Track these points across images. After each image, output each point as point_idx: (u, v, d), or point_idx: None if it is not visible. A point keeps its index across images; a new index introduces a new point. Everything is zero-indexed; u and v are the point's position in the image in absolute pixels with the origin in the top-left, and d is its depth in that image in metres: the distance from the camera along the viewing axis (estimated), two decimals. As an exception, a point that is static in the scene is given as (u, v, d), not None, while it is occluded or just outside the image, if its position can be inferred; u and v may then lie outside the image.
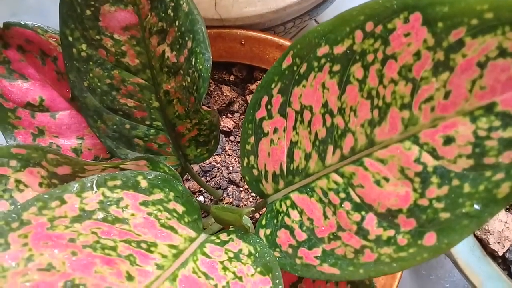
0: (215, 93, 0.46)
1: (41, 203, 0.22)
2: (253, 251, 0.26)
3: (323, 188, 0.24)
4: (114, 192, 0.24)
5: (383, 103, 0.21)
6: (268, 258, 0.24)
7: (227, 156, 0.45)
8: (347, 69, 0.22)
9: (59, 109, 0.33)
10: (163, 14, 0.28)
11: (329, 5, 0.50)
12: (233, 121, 0.46)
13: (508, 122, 0.17)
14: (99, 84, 0.29)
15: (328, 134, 0.24)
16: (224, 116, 0.47)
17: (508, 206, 0.43)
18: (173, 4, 0.28)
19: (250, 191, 0.44)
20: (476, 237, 0.42)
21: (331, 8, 0.53)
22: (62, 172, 0.27)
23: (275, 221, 0.27)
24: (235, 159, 0.45)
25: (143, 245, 0.23)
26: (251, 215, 0.38)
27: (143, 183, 0.26)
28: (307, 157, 0.25)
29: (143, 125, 0.31)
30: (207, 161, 0.45)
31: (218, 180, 0.44)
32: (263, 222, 0.28)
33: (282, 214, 0.27)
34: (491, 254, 0.42)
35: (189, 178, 0.44)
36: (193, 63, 0.28)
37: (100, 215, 0.23)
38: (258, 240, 0.26)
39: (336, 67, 0.22)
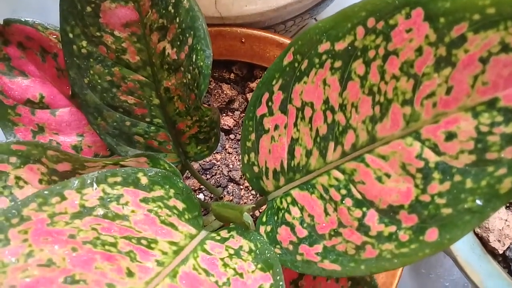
0: (215, 91, 0.46)
1: (41, 199, 0.22)
2: (253, 248, 0.25)
3: (324, 185, 0.24)
4: (115, 188, 0.24)
5: (384, 99, 0.21)
6: (268, 255, 0.24)
7: (227, 154, 0.45)
8: (348, 66, 0.22)
9: (59, 106, 0.33)
10: (164, 11, 0.28)
11: (329, 4, 0.50)
12: (233, 119, 0.46)
13: (511, 118, 0.17)
14: (99, 81, 0.29)
15: (329, 131, 0.24)
16: (224, 114, 0.47)
17: (508, 204, 0.43)
18: (173, 0, 0.28)
19: (250, 189, 0.44)
20: (477, 235, 0.42)
21: (332, 7, 0.52)
22: (62, 168, 0.27)
23: (276, 218, 0.27)
24: (235, 157, 0.45)
25: (144, 242, 0.23)
26: (251, 213, 0.38)
27: (144, 180, 0.26)
28: (308, 153, 0.25)
29: (143, 122, 0.31)
30: (207, 159, 0.45)
31: (218, 178, 0.44)
32: (264, 219, 0.28)
33: (282, 211, 0.27)
34: (492, 252, 0.42)
35: (189, 176, 0.44)
36: (193, 60, 0.28)
37: (100, 211, 0.23)
38: (258, 237, 0.26)
39: (338, 64, 0.22)
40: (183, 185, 0.28)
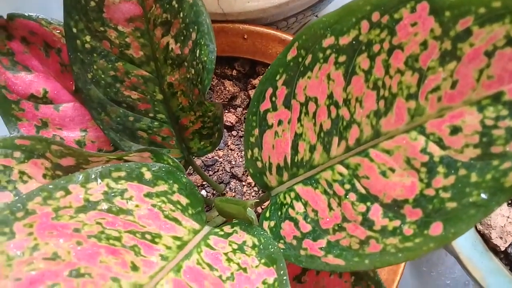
0: (218, 87, 0.46)
1: (46, 193, 0.22)
2: (257, 243, 0.26)
3: (328, 180, 0.24)
4: (119, 183, 0.24)
5: (389, 94, 0.21)
6: (272, 250, 0.24)
7: (229, 151, 0.45)
8: (352, 60, 0.22)
9: (62, 101, 0.33)
10: (168, 6, 0.28)
11: (331, 1, 0.50)
12: (236, 116, 0.46)
13: (516, 111, 0.17)
14: (103, 76, 0.29)
15: (333, 126, 0.24)
16: (226, 111, 0.47)
17: (510, 201, 0.43)
18: (177, -5, 0.28)
19: (252, 185, 0.44)
20: (479, 232, 0.42)
21: (333, 4, 0.53)
22: (66, 163, 0.27)
23: (279, 213, 0.27)
24: (237, 153, 0.45)
25: (148, 236, 0.23)
26: (253, 209, 0.38)
27: (147, 175, 0.26)
28: (312, 149, 0.25)
29: (146, 117, 0.31)
30: (210, 156, 0.45)
31: (220, 174, 0.44)
32: (267, 214, 0.28)
33: (286, 206, 0.27)
34: (493, 249, 0.42)
35: (192, 172, 0.44)
36: (197, 54, 0.28)
37: (104, 206, 0.23)
38: (262, 232, 0.26)
39: (342, 58, 0.22)
40: (186, 180, 0.28)
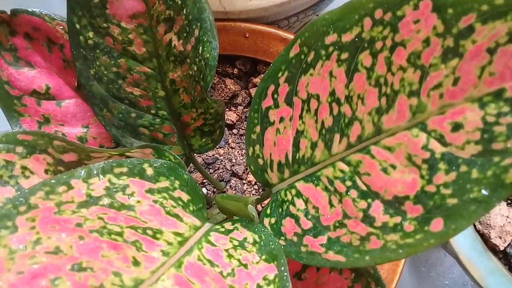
0: (219, 86, 0.46)
1: (48, 188, 0.22)
2: (258, 240, 0.26)
3: (329, 177, 0.24)
4: (120, 179, 0.24)
5: (391, 91, 0.21)
6: (273, 246, 0.25)
7: (230, 149, 0.45)
8: (355, 57, 0.22)
9: (65, 97, 0.33)
10: (171, 2, 0.28)
11: (332, 0, 0.51)
12: (236, 114, 0.46)
13: (517, 108, 0.17)
14: (105, 72, 0.29)
15: (334, 123, 0.24)
16: (227, 109, 0.47)
17: (510, 201, 0.43)
18: (180, -8, 0.28)
19: (253, 183, 0.44)
20: (478, 231, 0.42)
21: (334, 4, 0.53)
22: (68, 159, 0.27)
23: (280, 210, 0.27)
24: (238, 151, 0.45)
25: (149, 232, 0.23)
26: (254, 207, 0.38)
27: (149, 171, 0.26)
28: (313, 146, 0.25)
29: (148, 114, 0.31)
30: (210, 154, 0.45)
31: (221, 172, 0.44)
32: (268, 211, 0.28)
33: (287, 203, 0.27)
34: (493, 248, 0.42)
35: (192, 170, 0.44)
36: (200, 51, 0.28)
37: (106, 201, 0.23)
38: (263, 229, 0.26)
39: (344, 55, 0.23)
40: (188, 176, 0.28)
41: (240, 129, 0.46)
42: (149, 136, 0.32)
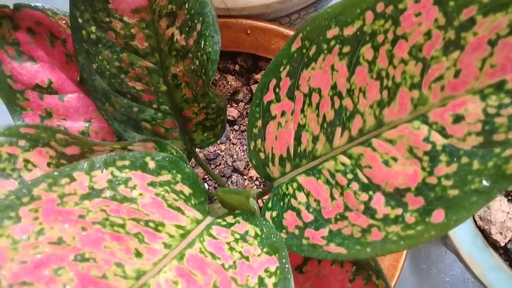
0: (220, 82, 0.47)
1: (51, 180, 0.22)
2: (259, 233, 0.26)
3: (331, 170, 0.24)
4: (123, 172, 0.25)
5: (392, 84, 0.21)
6: (274, 239, 0.25)
7: (231, 145, 0.45)
8: (356, 51, 0.22)
9: (67, 91, 0.33)
10: (173, -3, 0.28)
11: (333, -2, 0.51)
12: (238, 111, 0.47)
13: (518, 99, 0.17)
14: (107, 66, 0.30)
15: (336, 116, 0.24)
16: (228, 106, 0.47)
17: (511, 197, 0.43)
18: (182, -13, 0.28)
19: (254, 179, 0.44)
20: (479, 227, 0.42)
21: (335, 1, 0.53)
22: (71, 152, 0.28)
23: (282, 203, 0.27)
24: (239, 147, 0.45)
25: (151, 224, 0.23)
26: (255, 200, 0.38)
27: (151, 164, 0.26)
28: (315, 139, 0.25)
29: (150, 108, 0.32)
30: (212, 150, 0.45)
31: (222, 168, 0.44)
32: (269, 205, 0.28)
33: (288, 197, 0.27)
34: (493, 244, 0.42)
35: (194, 165, 0.44)
36: (202, 45, 0.28)
37: (109, 193, 0.23)
38: (264, 222, 0.26)
39: (346, 49, 0.23)
40: (189, 170, 0.28)
41: (242, 125, 0.46)
42: (151, 131, 0.32)
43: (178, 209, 0.26)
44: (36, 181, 0.22)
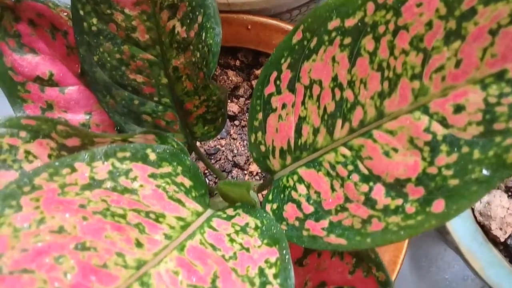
0: (221, 77, 0.47)
1: (52, 170, 0.22)
2: (259, 225, 0.26)
3: (331, 162, 0.24)
4: (124, 163, 0.25)
5: (393, 75, 0.21)
6: (274, 231, 0.25)
7: (232, 140, 0.46)
8: (358, 42, 0.22)
9: (68, 84, 0.33)
10: (174, -11, 0.28)
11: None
12: (238, 106, 0.47)
13: (519, 88, 0.17)
14: (108, 59, 0.30)
15: (337, 108, 0.24)
16: (229, 101, 0.47)
17: (511, 193, 0.43)
18: (184, -21, 0.28)
19: (254, 174, 0.44)
20: (479, 223, 0.42)
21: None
22: (71, 144, 0.28)
23: (282, 196, 0.27)
24: (239, 142, 0.45)
25: (152, 216, 0.24)
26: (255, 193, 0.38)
27: (152, 156, 0.26)
28: (315, 132, 0.25)
29: (151, 101, 0.32)
30: (212, 144, 0.45)
31: (222, 163, 0.44)
32: (270, 197, 0.28)
33: (289, 189, 0.27)
34: (493, 240, 0.42)
35: (194, 160, 0.45)
36: (203, 37, 0.28)
37: (109, 184, 0.23)
38: (264, 214, 0.26)
39: (347, 40, 0.23)
40: (190, 163, 0.28)
41: (242, 121, 0.46)
42: (152, 124, 0.33)
43: (179, 201, 0.26)
44: (37, 171, 0.22)
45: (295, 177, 0.27)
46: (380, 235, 0.21)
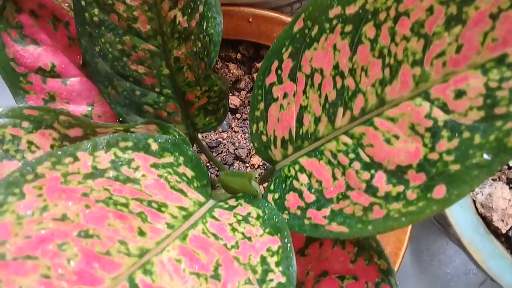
0: (222, 70, 0.47)
1: (55, 159, 0.22)
2: (261, 214, 0.26)
3: (332, 151, 0.25)
4: (126, 153, 0.25)
5: (394, 61, 0.21)
6: (276, 220, 0.25)
7: (233, 133, 0.46)
8: (359, 29, 0.22)
9: (70, 75, 0.33)
10: (175, -21, 0.28)
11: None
12: (240, 99, 0.47)
13: (520, 72, 0.17)
14: (110, 49, 0.30)
15: (338, 96, 0.24)
16: (230, 94, 0.47)
17: (512, 184, 0.43)
18: (185, -31, 0.28)
19: (256, 166, 0.44)
20: (480, 215, 0.42)
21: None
22: (74, 134, 0.28)
23: (284, 185, 0.27)
24: (241, 135, 0.45)
25: (154, 205, 0.24)
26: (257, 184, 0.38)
27: (154, 146, 0.26)
28: (317, 120, 0.25)
29: (153, 92, 0.32)
30: (214, 137, 0.45)
31: (224, 156, 0.44)
32: (272, 187, 0.28)
33: (290, 179, 0.27)
34: (495, 232, 0.42)
35: (196, 152, 0.45)
36: (204, 27, 0.28)
37: (112, 173, 0.24)
38: (266, 204, 0.27)
39: (348, 28, 0.23)
40: (192, 153, 0.28)
41: (243, 114, 0.47)
42: (153, 115, 0.33)
43: (181, 191, 0.26)
44: (40, 159, 0.22)
45: (297, 167, 0.27)
46: (382, 222, 0.21)
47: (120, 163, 0.24)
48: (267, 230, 0.25)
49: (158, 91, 0.32)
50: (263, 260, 0.23)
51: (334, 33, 0.23)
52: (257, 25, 0.45)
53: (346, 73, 0.23)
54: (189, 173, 0.27)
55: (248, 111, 0.45)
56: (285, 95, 0.27)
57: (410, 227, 0.40)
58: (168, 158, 0.27)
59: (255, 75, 0.47)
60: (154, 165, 0.26)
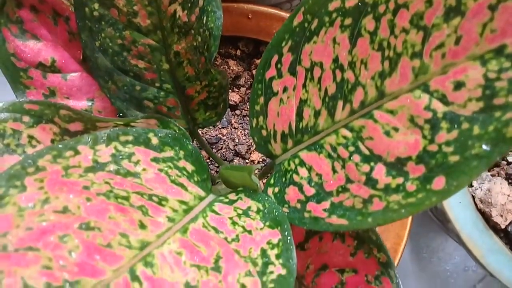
0: (222, 67, 0.47)
1: (56, 152, 0.22)
2: (261, 208, 0.26)
3: (332, 144, 0.25)
4: (126, 147, 0.25)
5: (394, 54, 0.21)
6: (276, 213, 0.25)
7: (233, 129, 0.46)
8: (358, 22, 0.22)
9: (70, 70, 0.33)
10: (175, -27, 0.28)
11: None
12: (239, 95, 0.47)
13: (518, 63, 0.17)
14: (110, 44, 0.30)
15: (338, 90, 0.24)
16: (230, 91, 0.47)
17: (511, 180, 0.44)
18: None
19: (255, 162, 0.44)
20: (479, 210, 0.42)
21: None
22: (74, 128, 0.28)
23: (284, 179, 0.27)
24: (241, 131, 0.45)
25: (155, 199, 0.24)
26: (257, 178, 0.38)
27: (154, 140, 0.26)
28: (317, 114, 0.25)
29: (153, 87, 0.32)
30: (214, 134, 0.45)
31: (224, 152, 0.44)
32: (272, 181, 0.28)
33: (290, 172, 0.27)
34: (494, 227, 0.42)
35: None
36: (204, 21, 0.28)
37: (112, 167, 0.24)
38: (266, 198, 0.27)
39: (348, 21, 0.23)
40: (192, 147, 0.28)
41: (243, 110, 0.47)
42: (153, 109, 0.33)
43: (181, 185, 0.26)
44: (41, 152, 0.22)
45: (297, 161, 0.27)
46: (381, 214, 0.21)
47: (120, 157, 0.24)
48: (267, 223, 0.25)
49: (158, 86, 0.32)
50: (264, 252, 0.23)
51: (333, 26, 0.23)
52: (257, 22, 0.45)
53: (345, 66, 0.23)
54: (190, 167, 0.27)
55: (248, 107, 0.45)
56: (285, 89, 0.27)
57: (409, 222, 0.40)
58: (169, 152, 0.27)
59: (254, 72, 0.47)
60: (155, 159, 0.26)
